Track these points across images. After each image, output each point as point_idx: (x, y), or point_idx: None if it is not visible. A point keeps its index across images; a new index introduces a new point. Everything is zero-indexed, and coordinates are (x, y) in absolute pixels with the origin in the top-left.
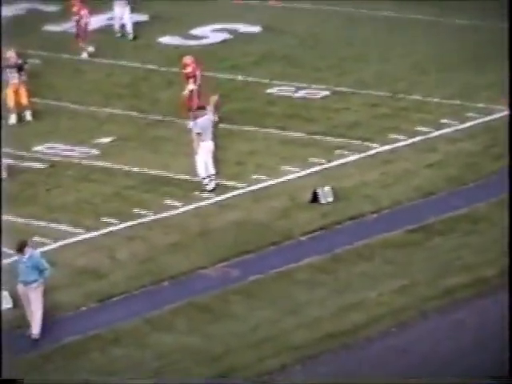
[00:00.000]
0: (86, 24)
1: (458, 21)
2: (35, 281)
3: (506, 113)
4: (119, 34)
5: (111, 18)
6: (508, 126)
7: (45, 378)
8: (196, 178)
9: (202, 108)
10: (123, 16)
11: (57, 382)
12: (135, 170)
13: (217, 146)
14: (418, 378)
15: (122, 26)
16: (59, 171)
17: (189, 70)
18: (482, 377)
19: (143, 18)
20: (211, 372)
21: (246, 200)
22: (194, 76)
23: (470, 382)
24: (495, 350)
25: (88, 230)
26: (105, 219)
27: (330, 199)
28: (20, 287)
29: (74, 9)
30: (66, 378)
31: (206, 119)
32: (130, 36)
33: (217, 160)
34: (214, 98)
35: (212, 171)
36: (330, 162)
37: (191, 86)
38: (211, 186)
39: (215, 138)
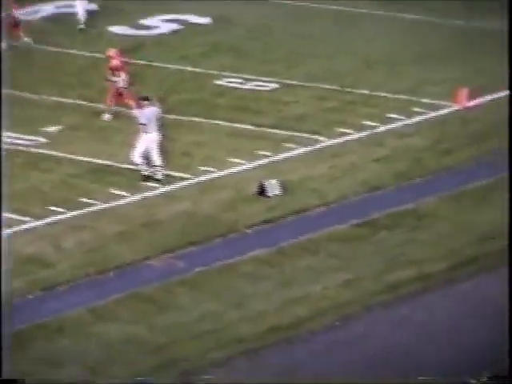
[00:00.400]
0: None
1: (410, 16)
2: None
3: (454, 108)
4: (82, 26)
5: (60, 7)
6: (508, 120)
7: (44, 378)
8: (142, 167)
9: (146, 99)
10: (83, 7)
11: (56, 382)
12: (83, 158)
13: (164, 137)
14: (417, 378)
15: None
16: (7, 159)
17: (114, 62)
18: (480, 376)
19: (93, 6)
20: (155, 362)
21: (192, 191)
22: (119, 68)
23: (471, 382)
24: (440, 346)
25: (35, 218)
26: (52, 208)
27: (277, 192)
28: None
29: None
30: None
31: (151, 110)
32: (82, 26)
33: (164, 151)
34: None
35: (158, 162)
36: (277, 154)
37: (116, 79)
38: (158, 176)
39: (161, 129)
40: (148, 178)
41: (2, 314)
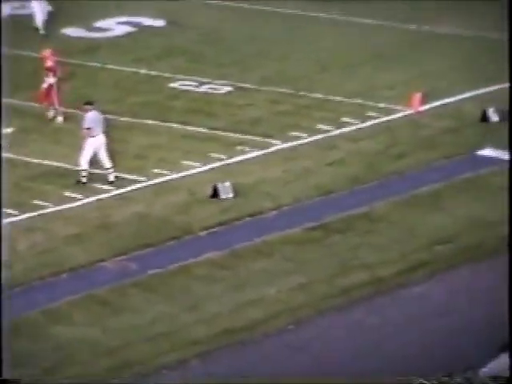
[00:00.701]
0: None
1: (364, 20)
2: None
3: (407, 113)
4: (42, 31)
5: (16, 8)
6: (508, 119)
7: (45, 378)
8: (96, 170)
9: (90, 103)
10: (42, 11)
11: (57, 382)
12: (36, 161)
13: (118, 139)
14: (416, 378)
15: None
16: None
17: (48, 63)
18: (480, 377)
19: (48, 8)
20: (109, 364)
21: (146, 194)
22: (54, 69)
23: (470, 382)
24: (391, 350)
25: None
26: (5, 210)
27: (230, 195)
28: None
29: None
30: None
31: (94, 114)
32: (42, 32)
33: (115, 153)
34: None
35: (108, 165)
36: (231, 157)
37: (51, 80)
38: (110, 178)
39: (107, 131)
40: (81, 183)
41: None
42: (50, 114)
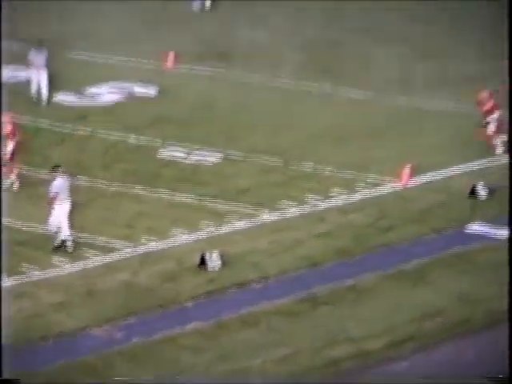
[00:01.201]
0: None
1: (355, 94)
2: None
3: (396, 186)
4: (35, 99)
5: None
6: (508, 133)
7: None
8: (84, 237)
9: (57, 169)
10: (40, 81)
11: (57, 382)
12: (25, 225)
13: (105, 207)
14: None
15: (38, 91)
16: None
17: (8, 129)
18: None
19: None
20: None
21: (134, 262)
22: (14, 135)
23: (470, 383)
24: None
25: None
26: None
27: (218, 265)
28: None
29: None
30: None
31: (61, 180)
32: (44, 103)
33: (103, 220)
34: None
35: (67, 233)
36: (219, 227)
37: (10, 146)
38: (69, 248)
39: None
40: (58, 249)
41: None
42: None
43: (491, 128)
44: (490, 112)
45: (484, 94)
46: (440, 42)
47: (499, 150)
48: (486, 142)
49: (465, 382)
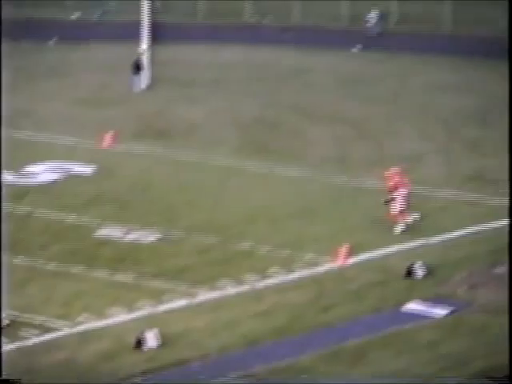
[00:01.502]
0: None
1: (291, 173)
2: None
3: (333, 265)
4: None
5: None
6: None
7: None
8: (22, 316)
9: None
10: None
11: (57, 382)
12: None
13: (42, 286)
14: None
15: None
16: None
17: None
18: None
19: None
20: None
21: (71, 341)
22: None
23: (470, 383)
24: None
25: None
26: None
27: (156, 344)
28: None
29: None
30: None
31: None
32: None
33: (41, 299)
34: None
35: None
36: (157, 306)
37: None
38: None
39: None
40: None
41: None
42: None
43: (396, 206)
44: (394, 189)
45: (392, 171)
46: (377, 122)
47: (398, 229)
48: (389, 219)
49: (465, 382)
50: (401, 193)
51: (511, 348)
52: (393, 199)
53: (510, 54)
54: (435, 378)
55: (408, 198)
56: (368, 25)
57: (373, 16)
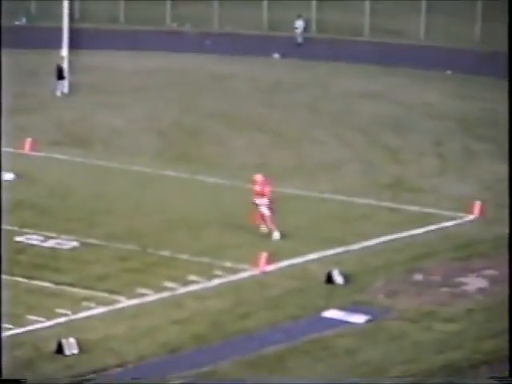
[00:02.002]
0: None
1: (209, 179)
2: None
3: (252, 272)
4: None
5: None
6: (508, 143)
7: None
8: None
9: None
10: None
11: (58, 382)
12: None
13: None
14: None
15: None
16: None
17: None
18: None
19: None
20: None
21: None
22: None
23: (472, 382)
24: None
25: None
26: None
27: (75, 351)
28: None
29: None
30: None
31: None
32: None
33: None
34: None
35: None
36: (76, 313)
37: None
38: None
39: None
40: None
41: None
42: None
43: (261, 211)
44: (260, 195)
45: (259, 177)
46: (296, 129)
47: (276, 235)
48: (255, 223)
49: (468, 382)
50: (263, 201)
51: (511, 347)
52: (258, 204)
53: (510, 59)
54: (436, 378)
55: (271, 206)
56: (296, 31)
57: (300, 23)
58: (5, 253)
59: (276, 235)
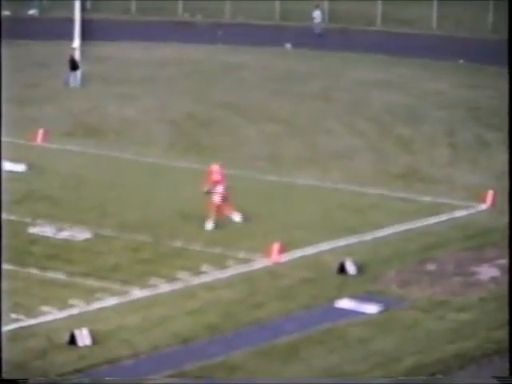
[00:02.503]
0: None
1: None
2: None
3: (265, 263)
4: None
5: None
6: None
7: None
8: None
9: None
10: None
11: (59, 382)
12: None
13: None
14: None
15: None
16: None
17: None
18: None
19: None
20: None
21: (2, 339)
22: None
23: (472, 382)
24: None
25: None
26: None
27: (88, 342)
28: None
29: None
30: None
31: None
32: None
33: None
34: None
35: None
36: (89, 304)
37: None
38: None
39: None
40: None
41: None
42: None
43: (216, 199)
44: (216, 183)
45: (215, 166)
46: (308, 119)
47: (209, 225)
48: (212, 211)
49: (470, 382)
50: (217, 189)
51: (511, 348)
52: (212, 193)
53: (510, 56)
54: (437, 378)
55: (225, 196)
56: (314, 21)
57: (318, 13)
58: (4, 242)
59: (209, 225)
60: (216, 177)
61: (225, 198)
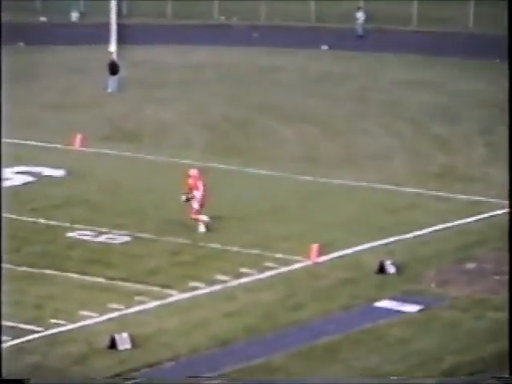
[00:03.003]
0: None
1: (261, 171)
2: None
3: (304, 264)
4: None
5: None
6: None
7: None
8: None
9: None
10: None
11: (64, 382)
12: None
13: (13, 289)
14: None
15: None
16: None
17: None
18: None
19: None
20: None
21: (43, 344)
22: None
23: (472, 382)
24: None
25: None
26: None
27: (128, 346)
28: None
29: None
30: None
31: None
32: None
33: (12, 303)
34: None
35: None
36: (129, 308)
37: None
38: None
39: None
40: None
41: None
42: None
43: (194, 205)
44: (193, 188)
45: (193, 171)
46: (345, 120)
47: (201, 228)
48: (189, 217)
49: (471, 382)
50: (196, 194)
51: (511, 348)
52: (190, 199)
53: (510, 55)
54: (438, 378)
55: (203, 200)
56: (357, 23)
57: (361, 15)
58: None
59: (201, 228)
60: (193, 181)
61: (202, 204)
